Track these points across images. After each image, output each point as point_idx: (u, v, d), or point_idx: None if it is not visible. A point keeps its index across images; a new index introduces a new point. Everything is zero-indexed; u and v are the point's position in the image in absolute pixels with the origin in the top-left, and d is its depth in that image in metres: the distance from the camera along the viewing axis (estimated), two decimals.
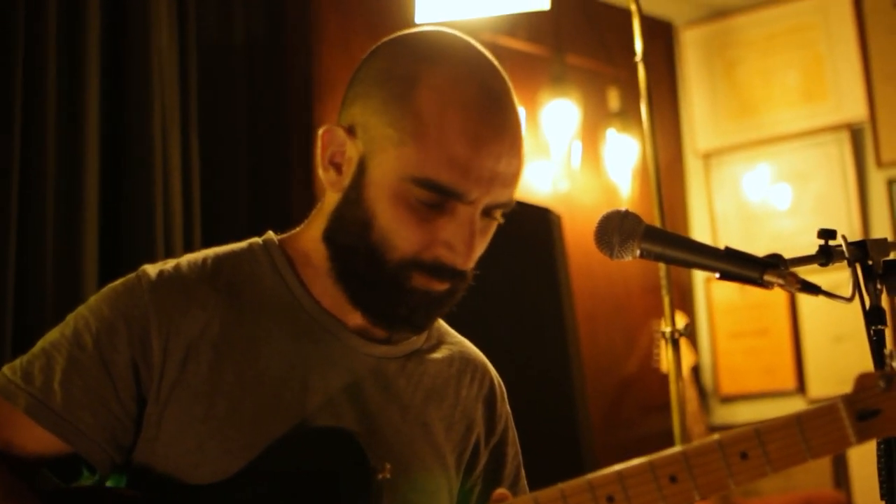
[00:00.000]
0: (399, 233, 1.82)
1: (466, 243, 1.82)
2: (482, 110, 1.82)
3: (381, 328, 1.94)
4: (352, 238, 1.87)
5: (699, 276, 6.86)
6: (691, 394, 5.84)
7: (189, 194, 4.12)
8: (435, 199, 1.80)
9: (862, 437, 1.70)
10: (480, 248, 1.89)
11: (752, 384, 6.64)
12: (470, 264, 1.86)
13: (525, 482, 2.17)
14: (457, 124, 1.79)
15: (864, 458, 2.21)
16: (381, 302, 1.87)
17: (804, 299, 6.51)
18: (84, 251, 3.68)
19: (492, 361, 2.20)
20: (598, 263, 6.08)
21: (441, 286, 1.86)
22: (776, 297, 6.55)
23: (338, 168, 1.90)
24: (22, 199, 3.59)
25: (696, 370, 6.44)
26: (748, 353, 6.70)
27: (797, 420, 1.72)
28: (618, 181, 6.42)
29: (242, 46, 4.49)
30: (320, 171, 1.92)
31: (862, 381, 1.72)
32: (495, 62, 1.91)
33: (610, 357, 6.29)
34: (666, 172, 6.53)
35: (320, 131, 1.91)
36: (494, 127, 1.82)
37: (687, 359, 5.84)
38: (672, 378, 3.62)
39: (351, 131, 1.88)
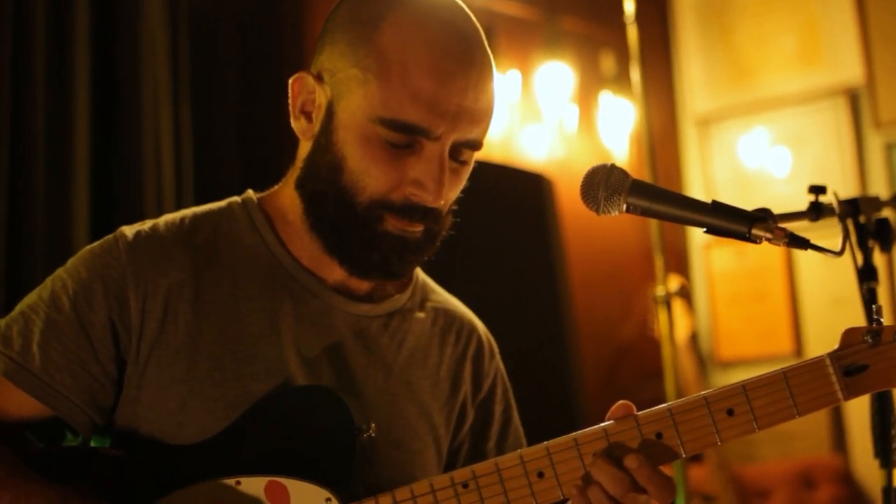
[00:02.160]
0: (368, 173, 1.80)
1: (435, 180, 1.80)
2: (446, 46, 1.81)
3: (356, 276, 1.92)
4: (323, 183, 1.85)
5: (696, 242, 6.84)
6: (689, 360, 5.83)
7: (180, 163, 4.10)
8: (402, 139, 1.79)
9: (849, 393, 1.70)
10: (452, 188, 1.87)
11: (750, 349, 6.62)
12: (440, 202, 1.83)
13: (518, 438, 2.15)
14: (419, 60, 1.78)
15: (862, 425, 2.22)
16: (355, 247, 1.85)
17: (801, 264, 6.49)
18: (74, 219, 3.66)
19: (485, 327, 2.18)
20: (594, 230, 6.05)
21: (414, 228, 1.84)
22: (774, 262, 6.54)
23: (308, 116, 1.89)
24: (12, 166, 3.56)
25: (694, 337, 6.43)
26: (746, 319, 6.69)
27: (784, 376, 1.71)
28: (614, 146, 6.39)
29: (233, 15, 4.45)
30: (292, 121, 1.91)
31: (849, 336, 1.72)
32: (464, 7, 1.89)
33: (606, 324, 6.28)
34: (661, 137, 6.50)
35: (291, 80, 1.90)
36: (459, 62, 1.81)
37: (685, 325, 5.82)
38: (665, 340, 3.61)
39: (319, 77, 1.87)
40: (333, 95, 1.84)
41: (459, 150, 1.85)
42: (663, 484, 1.69)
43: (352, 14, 1.86)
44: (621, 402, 1.77)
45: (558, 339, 4.00)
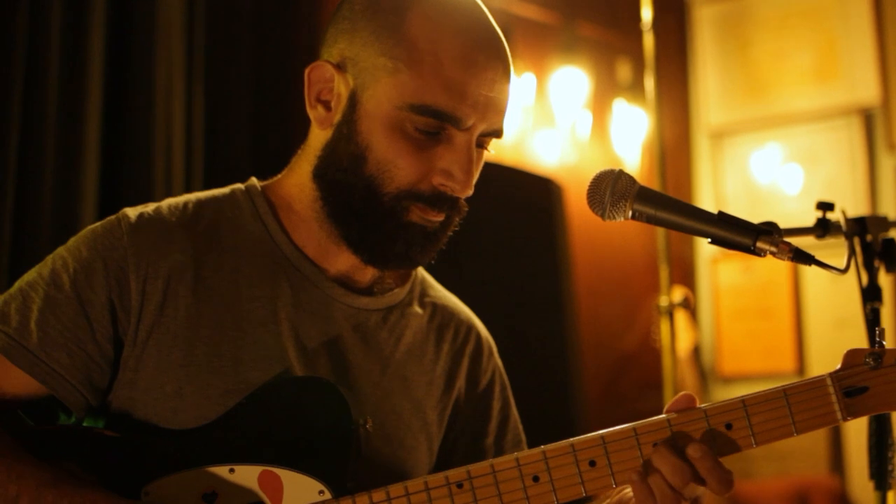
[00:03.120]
0: (396, 163, 1.81)
1: (465, 170, 1.82)
2: (475, 36, 1.83)
3: (375, 266, 1.92)
4: (345, 173, 1.85)
5: (704, 255, 6.83)
6: (691, 373, 5.82)
7: (191, 146, 4.10)
8: (433, 126, 1.80)
9: (849, 414, 1.69)
10: (476, 177, 1.88)
11: (752, 365, 6.61)
12: (469, 191, 1.85)
13: (517, 436, 2.14)
14: (451, 49, 1.80)
15: (861, 446, 2.20)
16: (378, 237, 1.85)
17: (808, 282, 6.48)
18: (83, 200, 3.66)
19: (487, 329, 2.18)
20: (602, 238, 6.05)
21: (437, 217, 1.85)
22: (780, 279, 6.53)
23: (326, 105, 1.88)
24: (22, 144, 3.56)
25: (696, 350, 6.41)
26: (750, 335, 6.68)
27: (784, 394, 1.71)
28: (626, 154, 6.38)
29: (250, 0, 4.45)
30: (308, 109, 1.90)
31: (850, 357, 1.71)
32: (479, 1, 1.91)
33: (610, 333, 6.27)
34: (674, 148, 6.49)
35: (307, 70, 1.89)
36: (487, 53, 1.83)
37: (688, 338, 5.81)
38: (666, 350, 3.59)
39: (340, 67, 1.86)
40: (357, 84, 1.84)
41: (483, 139, 1.87)
42: (723, 477, 1.68)
43: (372, 3, 1.86)
44: (684, 393, 1.76)
45: (560, 344, 3.99)
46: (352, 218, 1.86)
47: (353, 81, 1.84)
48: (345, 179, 1.85)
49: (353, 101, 1.84)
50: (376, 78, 1.82)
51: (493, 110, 1.84)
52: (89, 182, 3.70)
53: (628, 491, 1.78)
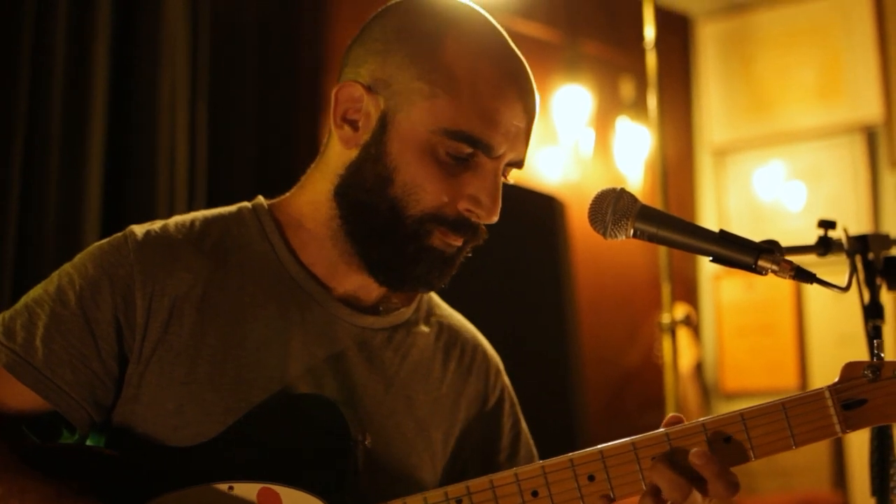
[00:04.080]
0: (424, 187, 1.82)
1: (492, 197, 1.84)
2: (510, 67, 1.86)
3: (390, 287, 1.94)
4: (369, 194, 1.86)
5: (706, 272, 6.84)
6: (693, 389, 5.82)
7: (194, 164, 4.11)
8: (465, 152, 1.82)
9: (847, 427, 1.70)
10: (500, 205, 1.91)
11: (755, 382, 6.62)
12: (494, 219, 1.87)
13: (529, 451, 2.15)
14: (488, 79, 1.82)
15: (863, 461, 2.20)
16: (399, 260, 1.86)
17: (810, 299, 6.48)
18: (85, 217, 3.67)
19: (490, 344, 2.18)
20: (604, 255, 6.06)
21: (457, 242, 1.87)
22: (783, 296, 6.53)
23: (353, 124, 1.88)
24: (26, 160, 3.57)
25: (699, 367, 6.42)
26: (753, 351, 6.69)
27: (782, 406, 1.71)
28: (629, 172, 6.40)
29: (255, 18, 4.47)
30: (334, 128, 1.90)
31: (849, 370, 1.72)
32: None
33: (612, 349, 6.28)
34: (676, 166, 6.51)
35: (335, 89, 1.90)
36: (521, 84, 1.86)
37: (690, 354, 5.81)
38: (668, 367, 3.60)
39: (370, 88, 1.87)
40: (389, 106, 1.84)
41: (506, 169, 1.89)
42: (729, 480, 1.69)
43: (406, 26, 1.87)
44: (673, 415, 1.78)
45: (563, 361, 4.00)
46: (373, 238, 1.86)
47: (384, 103, 1.85)
48: (369, 200, 1.85)
49: (384, 123, 1.85)
50: (411, 101, 1.82)
51: (521, 141, 1.86)
52: (93, 199, 3.72)
53: None
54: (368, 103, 1.86)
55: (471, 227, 1.86)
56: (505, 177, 1.90)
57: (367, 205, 1.86)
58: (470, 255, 1.94)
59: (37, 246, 3.59)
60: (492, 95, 1.81)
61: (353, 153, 1.88)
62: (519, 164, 1.90)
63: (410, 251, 1.85)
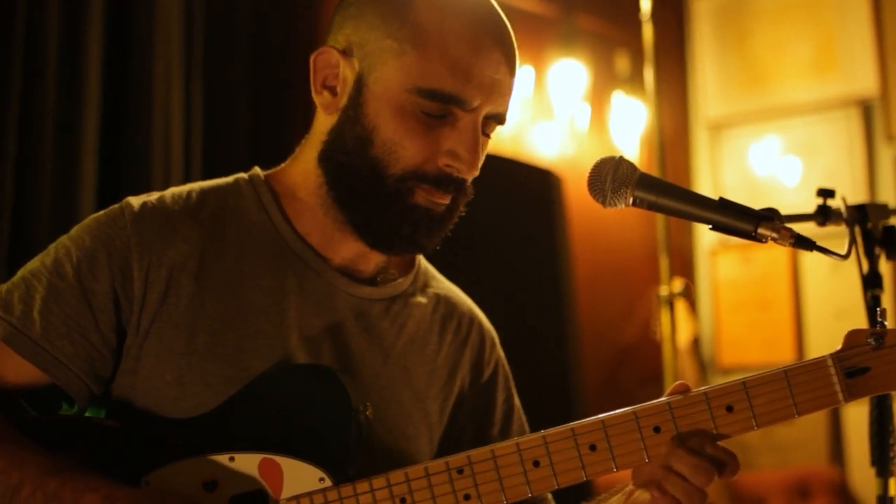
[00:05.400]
0: (402, 144, 1.82)
1: (471, 150, 1.84)
2: (480, 19, 1.85)
3: (380, 250, 1.92)
4: (350, 156, 1.86)
5: (702, 247, 6.83)
6: (690, 364, 5.82)
7: (189, 141, 4.09)
8: (438, 109, 1.82)
9: (850, 395, 1.69)
10: (481, 160, 1.89)
11: (752, 357, 6.61)
12: (474, 172, 1.87)
13: (522, 426, 2.15)
14: (457, 31, 1.82)
15: (860, 437, 2.20)
16: (384, 220, 1.86)
17: (807, 274, 6.48)
18: (81, 195, 3.66)
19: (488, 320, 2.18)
20: (600, 230, 6.05)
21: (443, 200, 1.86)
22: (779, 270, 6.53)
23: (332, 90, 1.89)
24: (20, 138, 3.56)
25: (696, 342, 6.42)
26: (749, 326, 6.68)
27: (785, 375, 1.71)
28: (624, 146, 6.38)
29: None
30: (314, 95, 1.91)
31: (852, 338, 1.71)
32: None
33: (609, 325, 6.27)
34: (672, 140, 6.48)
35: (312, 56, 1.90)
36: (492, 35, 1.86)
37: (687, 329, 5.81)
38: (666, 340, 3.60)
39: (345, 52, 1.88)
40: (363, 68, 1.85)
41: (487, 124, 1.88)
42: (731, 462, 1.71)
43: None
44: (680, 382, 1.77)
45: (560, 336, 3.99)
46: (357, 200, 1.86)
47: (359, 65, 1.86)
48: (350, 162, 1.86)
49: (360, 85, 1.85)
50: (383, 60, 1.83)
51: (498, 93, 1.85)
52: (87, 178, 3.70)
53: (639, 496, 1.78)
54: (345, 68, 1.87)
55: (453, 183, 1.85)
56: (486, 133, 1.89)
57: (348, 167, 1.86)
58: (463, 214, 1.93)
59: (32, 226, 3.57)
60: (461, 48, 1.81)
61: (334, 118, 1.89)
62: (499, 117, 1.89)
63: (395, 211, 1.85)
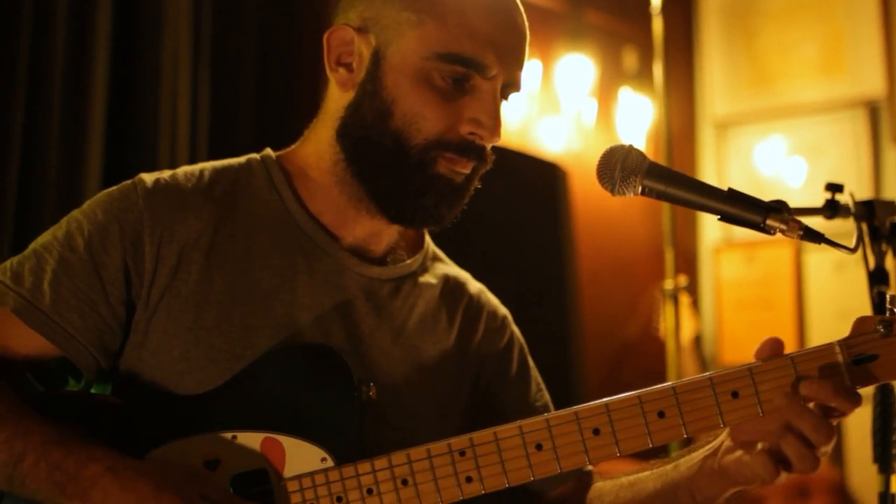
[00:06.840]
0: (423, 114, 1.84)
1: (493, 116, 1.86)
2: None
3: (402, 223, 1.94)
4: (370, 130, 1.87)
5: (706, 245, 6.83)
6: (692, 362, 5.82)
7: (196, 125, 4.09)
8: (459, 73, 1.84)
9: (856, 382, 1.68)
10: (502, 126, 1.91)
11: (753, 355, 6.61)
12: (497, 138, 1.88)
13: (542, 399, 2.14)
14: (474, 1, 1.85)
15: (860, 437, 2.20)
16: (406, 191, 1.87)
17: (810, 274, 6.47)
18: (87, 178, 3.66)
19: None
20: (605, 225, 6.05)
21: (465, 169, 1.88)
22: (783, 270, 6.52)
23: (347, 67, 1.90)
24: (27, 120, 3.56)
25: (698, 340, 6.42)
26: (752, 325, 6.67)
27: (791, 361, 1.70)
28: (631, 142, 6.36)
29: None
30: (329, 73, 1.93)
31: (861, 325, 1.69)
32: None
33: (612, 321, 6.27)
34: (678, 137, 6.48)
35: (326, 35, 1.92)
36: (508, 5, 1.89)
37: (689, 327, 5.81)
38: (669, 336, 3.60)
39: (360, 29, 1.89)
40: (380, 42, 1.87)
41: (505, 91, 1.90)
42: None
43: None
44: (772, 337, 1.76)
45: (563, 330, 4.00)
46: (379, 173, 1.88)
47: (374, 40, 1.87)
48: (370, 136, 1.87)
49: (377, 58, 1.87)
50: (400, 32, 1.85)
51: (515, 61, 1.88)
52: (94, 162, 3.70)
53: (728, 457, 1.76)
54: (360, 44, 1.89)
55: (475, 150, 1.87)
56: (505, 99, 1.91)
57: (369, 141, 1.87)
58: (479, 186, 1.94)
59: (37, 207, 3.58)
60: (480, 15, 1.84)
61: (351, 94, 1.90)
62: (515, 85, 1.91)
63: (418, 181, 1.86)
